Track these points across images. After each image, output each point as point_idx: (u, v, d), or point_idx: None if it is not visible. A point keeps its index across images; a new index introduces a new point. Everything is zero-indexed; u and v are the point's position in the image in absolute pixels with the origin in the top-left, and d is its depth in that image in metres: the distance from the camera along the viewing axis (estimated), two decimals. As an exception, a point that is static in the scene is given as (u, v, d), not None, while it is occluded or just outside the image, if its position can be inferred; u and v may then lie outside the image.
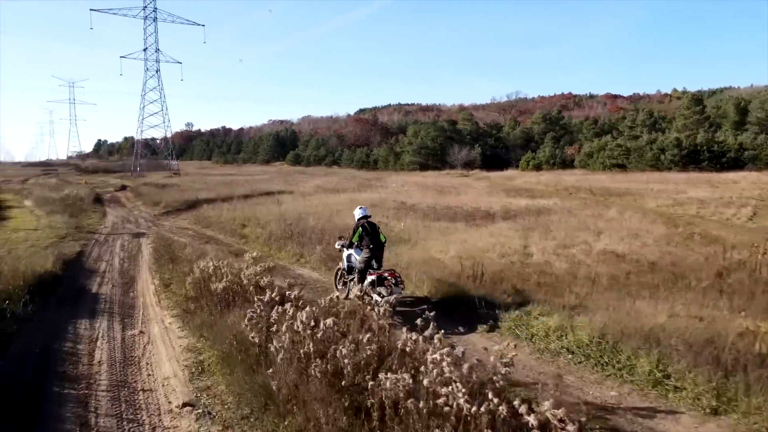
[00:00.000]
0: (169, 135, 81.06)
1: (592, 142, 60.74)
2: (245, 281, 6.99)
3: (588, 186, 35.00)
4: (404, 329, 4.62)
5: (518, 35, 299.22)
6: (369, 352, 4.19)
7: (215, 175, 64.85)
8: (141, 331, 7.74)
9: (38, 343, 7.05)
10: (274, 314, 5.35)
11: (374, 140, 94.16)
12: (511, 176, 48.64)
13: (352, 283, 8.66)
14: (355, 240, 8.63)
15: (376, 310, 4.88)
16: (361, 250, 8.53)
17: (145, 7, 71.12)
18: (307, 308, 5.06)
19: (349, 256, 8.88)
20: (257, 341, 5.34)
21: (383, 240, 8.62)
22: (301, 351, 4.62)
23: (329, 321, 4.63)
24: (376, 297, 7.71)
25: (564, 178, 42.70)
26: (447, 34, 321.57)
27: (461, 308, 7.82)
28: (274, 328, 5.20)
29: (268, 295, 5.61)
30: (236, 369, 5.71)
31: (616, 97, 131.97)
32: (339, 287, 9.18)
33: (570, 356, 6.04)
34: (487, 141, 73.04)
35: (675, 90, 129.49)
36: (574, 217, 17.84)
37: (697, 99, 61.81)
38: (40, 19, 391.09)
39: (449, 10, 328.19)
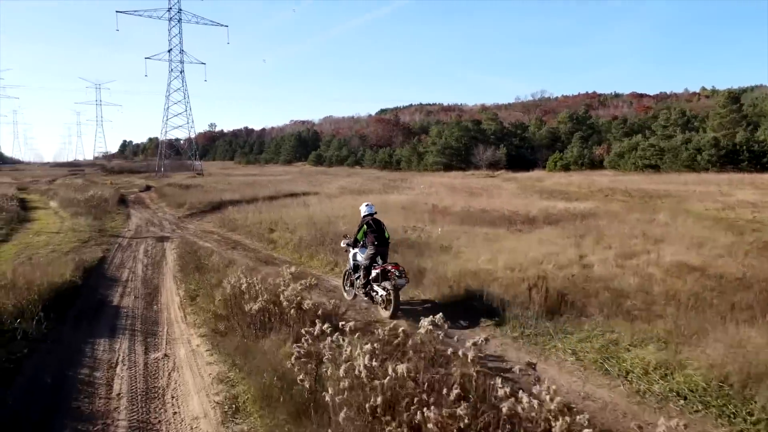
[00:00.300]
0: (192, 135, 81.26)
1: (621, 142, 58.78)
2: (285, 302, 6.04)
3: (624, 187, 33.39)
4: (498, 379, 3.61)
5: (541, 34, 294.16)
6: (466, 420, 3.17)
7: (238, 175, 64.58)
8: (165, 354, 6.87)
9: (51, 369, 6.21)
10: (325, 350, 4.38)
11: (396, 140, 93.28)
12: (539, 177, 47.07)
13: (358, 281, 8.60)
14: (360, 237, 8.55)
15: (461, 352, 3.86)
16: (366, 248, 8.46)
17: (170, 8, 71.35)
18: (368, 345, 4.08)
19: (354, 255, 8.80)
20: (307, 385, 4.38)
21: (388, 237, 8.64)
22: (367, 405, 3.65)
23: (402, 368, 3.63)
24: (380, 291, 7.87)
25: (596, 179, 41.06)
26: (468, 33, 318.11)
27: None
28: (327, 370, 4.23)
29: (318, 327, 4.64)
30: (278, 412, 4.77)
31: (642, 96, 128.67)
32: (347, 288, 9.14)
33: (682, 402, 4.93)
34: (512, 141, 71.26)
35: (703, 88, 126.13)
36: (623, 222, 16.53)
37: (734, 97, 59.25)
38: (67, 21, 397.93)
39: (470, 9, 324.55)
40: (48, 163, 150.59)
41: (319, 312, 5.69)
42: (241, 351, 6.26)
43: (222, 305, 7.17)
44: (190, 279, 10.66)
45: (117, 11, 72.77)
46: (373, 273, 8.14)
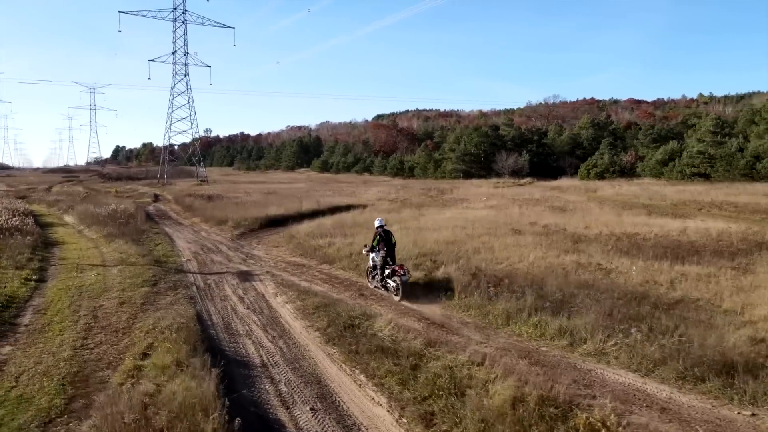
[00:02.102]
0: (196, 140, 76.60)
1: (653, 149, 55.80)
2: None
3: (708, 200, 29.96)
4: None
5: (536, 40, 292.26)
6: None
7: (245, 182, 60.57)
8: None
9: None
10: None
11: (401, 146, 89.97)
12: (588, 187, 43.30)
13: (376, 277, 11.19)
14: (375, 244, 11.18)
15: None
16: (379, 252, 11.07)
17: (175, 8, 66.83)
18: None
19: (372, 258, 11.33)
20: None
21: (394, 242, 11.32)
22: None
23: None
24: (391, 284, 10.71)
25: (658, 190, 37.54)
26: (461, 39, 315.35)
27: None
28: None
29: None
30: None
31: (639, 102, 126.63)
32: (369, 280, 11.63)
33: None
34: (530, 147, 67.67)
35: (701, 95, 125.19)
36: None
37: (778, 102, 56.38)
38: (63, 23, 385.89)
39: (464, 16, 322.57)
40: (39, 168, 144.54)
41: None
42: None
43: None
44: (371, 365, 6.73)
45: (120, 11, 68.04)
46: (386, 272, 10.81)
